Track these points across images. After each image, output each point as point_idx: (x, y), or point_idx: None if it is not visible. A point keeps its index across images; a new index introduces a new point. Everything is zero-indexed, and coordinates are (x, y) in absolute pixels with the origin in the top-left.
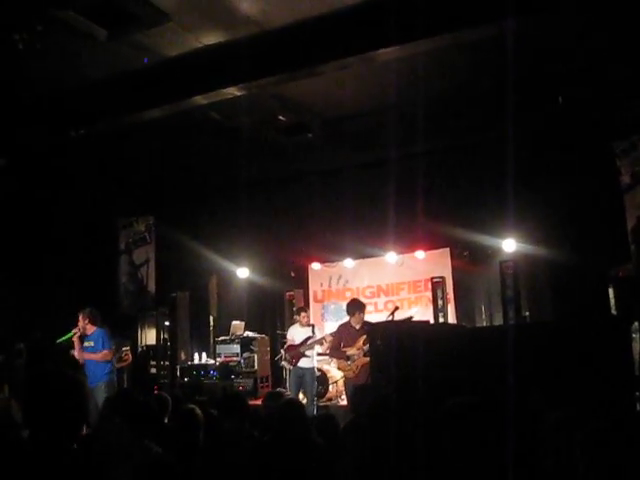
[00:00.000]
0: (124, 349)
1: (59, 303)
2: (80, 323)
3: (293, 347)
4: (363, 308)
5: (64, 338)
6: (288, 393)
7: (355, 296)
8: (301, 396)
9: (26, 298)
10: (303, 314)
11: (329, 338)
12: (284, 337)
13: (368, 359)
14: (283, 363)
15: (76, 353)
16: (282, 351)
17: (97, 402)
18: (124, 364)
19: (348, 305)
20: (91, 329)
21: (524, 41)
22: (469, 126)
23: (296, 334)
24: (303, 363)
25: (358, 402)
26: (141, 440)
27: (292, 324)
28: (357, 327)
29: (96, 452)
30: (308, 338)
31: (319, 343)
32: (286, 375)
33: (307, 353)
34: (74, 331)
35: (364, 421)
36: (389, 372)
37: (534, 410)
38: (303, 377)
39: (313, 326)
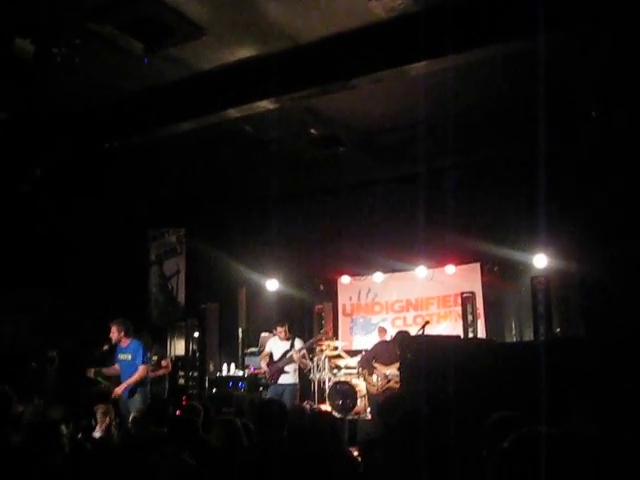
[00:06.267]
0: (163, 360)
1: (89, 312)
2: (115, 335)
3: (272, 363)
4: None
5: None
6: (315, 407)
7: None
8: None
9: (57, 307)
10: (280, 328)
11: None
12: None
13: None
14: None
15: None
16: (262, 364)
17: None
18: (163, 372)
19: (397, 337)
20: (126, 341)
21: (556, 54)
22: (500, 140)
23: (275, 348)
24: (283, 379)
25: (388, 414)
26: (179, 454)
27: (270, 336)
28: (399, 352)
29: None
30: (286, 352)
31: (300, 356)
32: (314, 387)
33: (286, 369)
34: (105, 348)
35: (394, 433)
36: (419, 385)
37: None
38: (282, 394)
39: (293, 339)
